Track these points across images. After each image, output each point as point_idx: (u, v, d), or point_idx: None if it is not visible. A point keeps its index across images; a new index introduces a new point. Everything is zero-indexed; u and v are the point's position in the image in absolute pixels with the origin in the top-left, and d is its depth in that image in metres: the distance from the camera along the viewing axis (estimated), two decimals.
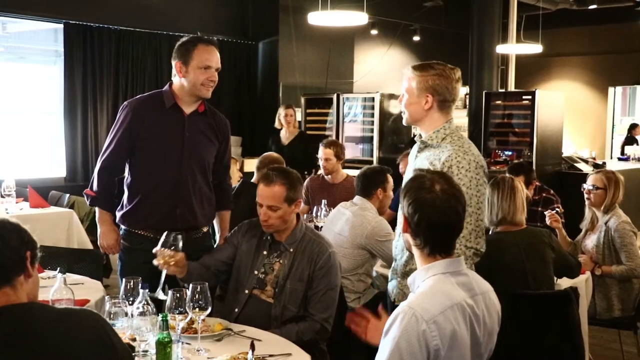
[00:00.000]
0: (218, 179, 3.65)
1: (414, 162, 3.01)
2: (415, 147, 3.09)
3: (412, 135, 9.02)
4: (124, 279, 2.73)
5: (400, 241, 3.01)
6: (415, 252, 2.20)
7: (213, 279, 3.17)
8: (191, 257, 3.19)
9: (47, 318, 1.83)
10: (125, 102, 3.57)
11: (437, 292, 2.08)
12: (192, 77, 3.39)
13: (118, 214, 3.55)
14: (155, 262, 2.95)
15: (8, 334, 1.77)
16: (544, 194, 5.33)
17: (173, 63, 3.44)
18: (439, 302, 2.03)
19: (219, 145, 3.60)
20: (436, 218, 2.12)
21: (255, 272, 3.17)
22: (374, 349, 2.14)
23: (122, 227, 3.55)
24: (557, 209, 5.06)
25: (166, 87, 3.52)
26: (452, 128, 2.95)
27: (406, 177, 3.01)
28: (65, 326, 1.83)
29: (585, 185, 4.66)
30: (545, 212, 4.83)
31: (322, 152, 5.57)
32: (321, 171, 5.72)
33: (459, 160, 2.82)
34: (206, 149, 3.52)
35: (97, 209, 3.56)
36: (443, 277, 2.12)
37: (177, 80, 3.46)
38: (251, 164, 8.39)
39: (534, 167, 7.40)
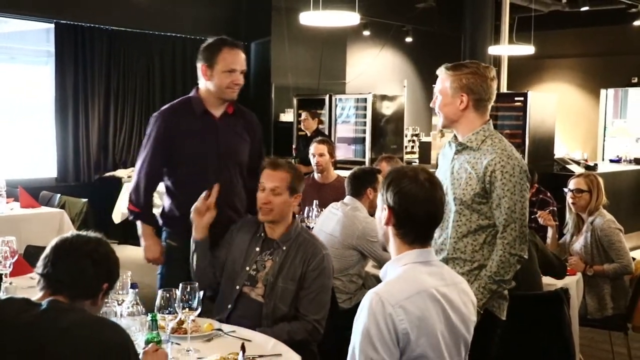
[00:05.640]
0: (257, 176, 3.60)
1: (450, 164, 2.94)
2: (447, 148, 3.03)
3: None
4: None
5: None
6: (395, 242, 2.20)
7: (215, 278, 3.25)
8: None
9: (80, 320, 1.92)
10: (155, 113, 3.56)
11: (404, 279, 2.10)
12: (217, 81, 3.40)
13: (163, 219, 3.57)
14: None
15: (44, 325, 1.86)
16: (540, 196, 5.36)
17: (198, 66, 3.44)
18: (405, 288, 2.05)
19: (251, 143, 3.61)
20: (423, 207, 2.13)
21: (247, 268, 3.17)
22: None
23: (168, 229, 3.58)
24: (551, 209, 5.08)
25: (193, 92, 3.53)
26: (492, 130, 2.90)
27: (442, 178, 2.91)
28: (88, 326, 1.91)
29: (567, 190, 4.68)
30: (540, 213, 4.85)
31: (316, 148, 5.59)
32: (313, 171, 5.73)
33: (503, 165, 2.77)
34: (241, 149, 3.54)
35: (139, 223, 3.54)
36: (413, 266, 2.13)
37: (202, 83, 3.46)
38: None
39: None
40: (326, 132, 9.62)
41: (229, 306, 3.13)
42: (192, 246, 3.24)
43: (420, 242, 2.17)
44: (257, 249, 3.19)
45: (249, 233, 3.25)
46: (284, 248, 3.15)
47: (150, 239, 3.53)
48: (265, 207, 3.13)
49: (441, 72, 2.93)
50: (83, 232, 2.10)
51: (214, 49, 3.40)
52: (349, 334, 2.09)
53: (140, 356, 2.13)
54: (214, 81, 3.40)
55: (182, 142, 3.45)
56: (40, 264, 2.03)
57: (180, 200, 3.50)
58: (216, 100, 3.47)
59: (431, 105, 3.03)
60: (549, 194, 5.40)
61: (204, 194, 3.22)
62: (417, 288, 2.07)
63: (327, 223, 4.21)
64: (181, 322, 2.67)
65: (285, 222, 3.20)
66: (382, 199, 2.21)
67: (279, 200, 3.13)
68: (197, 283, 2.65)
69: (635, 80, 13.12)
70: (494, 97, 2.93)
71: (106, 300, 2.52)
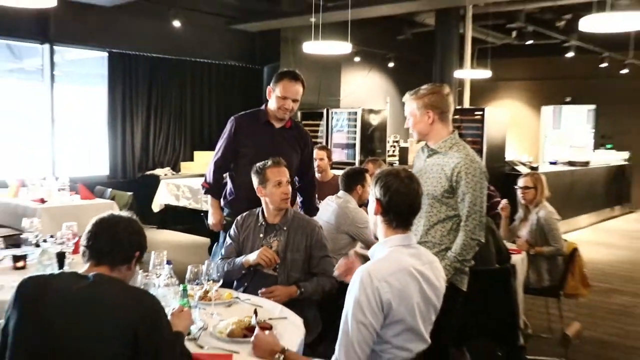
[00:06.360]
0: (306, 179, 3.84)
1: (423, 164, 2.94)
2: (420, 152, 3.03)
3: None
4: (152, 252, 2.74)
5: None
6: (382, 228, 2.20)
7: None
8: None
9: (122, 290, 1.91)
10: (232, 117, 3.76)
11: (390, 259, 2.10)
12: (273, 102, 3.58)
13: (224, 200, 3.75)
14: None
15: (93, 294, 1.87)
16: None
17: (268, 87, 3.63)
18: (389, 267, 2.06)
19: (301, 152, 3.74)
20: (404, 198, 2.14)
21: None
22: None
23: (227, 208, 3.75)
24: (496, 200, 5.07)
25: (263, 106, 3.70)
26: (457, 138, 2.90)
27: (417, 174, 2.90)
28: (127, 295, 1.90)
29: (517, 187, 4.70)
30: (502, 201, 4.84)
31: (317, 154, 5.59)
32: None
33: (467, 167, 2.76)
34: (291, 156, 3.62)
35: (209, 196, 3.79)
36: (397, 249, 2.14)
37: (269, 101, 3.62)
38: None
39: None
40: (324, 140, 9.61)
41: (246, 284, 3.13)
42: (240, 266, 3.10)
43: (402, 227, 2.17)
44: (261, 235, 3.18)
45: (250, 225, 3.24)
46: (285, 228, 3.16)
47: (215, 208, 3.77)
48: (287, 196, 3.15)
49: (407, 98, 2.93)
50: (116, 212, 2.11)
51: (279, 77, 3.58)
52: (342, 302, 2.09)
53: (169, 317, 2.13)
54: (271, 101, 3.58)
55: (244, 141, 3.63)
56: (84, 237, 2.03)
57: (237, 185, 3.69)
58: (274, 117, 3.60)
59: (405, 126, 3.03)
60: (492, 188, 5.39)
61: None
62: (399, 266, 2.07)
63: (324, 213, 4.20)
64: (206, 292, 2.67)
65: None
66: (372, 193, 2.21)
67: (290, 188, 3.19)
68: (219, 260, 2.65)
69: (568, 99, 13.22)
70: (452, 108, 2.93)
71: (146, 273, 2.53)
